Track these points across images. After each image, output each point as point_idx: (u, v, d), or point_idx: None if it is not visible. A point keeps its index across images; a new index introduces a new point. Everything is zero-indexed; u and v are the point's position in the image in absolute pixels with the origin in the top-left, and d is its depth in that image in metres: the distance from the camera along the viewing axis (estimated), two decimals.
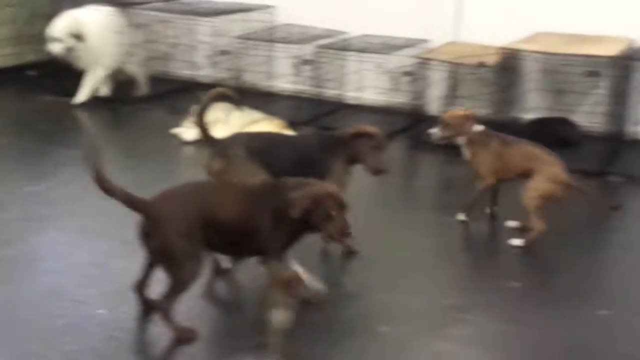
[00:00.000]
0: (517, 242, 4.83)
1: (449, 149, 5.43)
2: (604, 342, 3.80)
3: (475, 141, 5.01)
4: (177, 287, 3.63)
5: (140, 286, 3.82)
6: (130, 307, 3.89)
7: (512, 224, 5.07)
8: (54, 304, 3.95)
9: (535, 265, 4.76)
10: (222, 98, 4.67)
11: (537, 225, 4.79)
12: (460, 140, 5.06)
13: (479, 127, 5.06)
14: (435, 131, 5.13)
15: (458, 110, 5.28)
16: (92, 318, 3.84)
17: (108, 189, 3.60)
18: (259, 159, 4.38)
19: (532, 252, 4.81)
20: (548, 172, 4.80)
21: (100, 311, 3.90)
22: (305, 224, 3.74)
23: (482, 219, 5.23)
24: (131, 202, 3.64)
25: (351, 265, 4.58)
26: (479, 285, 4.44)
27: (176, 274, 3.62)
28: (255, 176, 4.32)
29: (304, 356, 3.57)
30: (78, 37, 7.40)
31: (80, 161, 6.35)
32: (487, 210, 5.27)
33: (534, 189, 4.80)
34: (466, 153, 5.09)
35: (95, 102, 7.64)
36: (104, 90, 7.87)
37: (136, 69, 7.91)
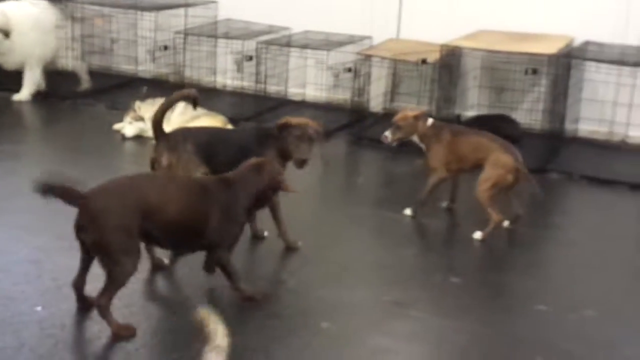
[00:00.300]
0: (477, 235, 4.88)
1: (394, 147, 5.45)
2: (544, 338, 3.84)
3: (427, 135, 5.09)
4: (114, 282, 3.58)
5: (78, 283, 3.76)
6: (67, 304, 3.82)
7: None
8: None
9: (476, 262, 4.81)
10: (186, 99, 4.69)
11: (494, 216, 4.85)
12: (414, 138, 5.14)
13: (429, 122, 5.13)
14: (388, 135, 5.15)
15: (408, 111, 5.28)
16: (28, 315, 3.76)
17: (42, 186, 3.52)
18: (204, 154, 4.46)
19: (473, 247, 4.86)
20: (496, 159, 4.85)
21: (37, 308, 3.82)
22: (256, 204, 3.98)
23: (431, 214, 5.26)
24: (68, 194, 3.56)
25: (292, 261, 4.57)
26: (421, 281, 4.46)
27: (113, 268, 3.57)
28: (198, 170, 4.40)
29: (245, 353, 3.54)
30: (4, 32, 7.19)
31: (15, 156, 6.36)
32: (444, 204, 5.33)
33: (485, 179, 4.86)
34: (422, 147, 5.17)
35: (34, 97, 7.50)
36: (41, 85, 7.71)
37: (75, 64, 7.77)
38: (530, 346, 3.77)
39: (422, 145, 5.16)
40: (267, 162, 4.06)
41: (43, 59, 7.53)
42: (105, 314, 3.59)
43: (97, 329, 3.65)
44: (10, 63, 7.44)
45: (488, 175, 4.85)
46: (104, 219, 3.53)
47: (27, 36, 7.31)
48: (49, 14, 7.53)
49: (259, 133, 4.70)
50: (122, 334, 3.59)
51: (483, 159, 4.90)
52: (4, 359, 3.39)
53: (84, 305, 3.79)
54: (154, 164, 4.45)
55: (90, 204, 3.55)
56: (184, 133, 4.64)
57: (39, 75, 7.56)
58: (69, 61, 7.67)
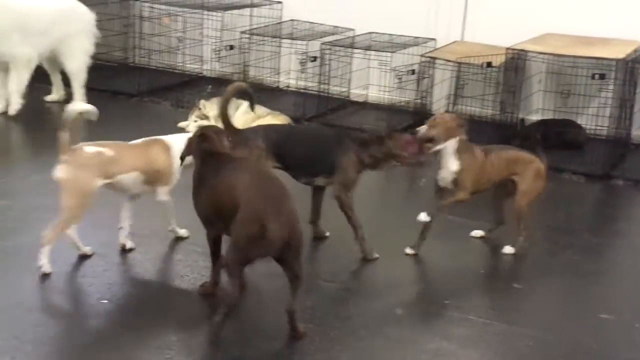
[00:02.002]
0: (508, 249, 4.78)
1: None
2: (606, 347, 3.80)
3: (461, 148, 4.57)
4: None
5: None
6: (132, 298, 3.92)
7: (477, 233, 4.99)
8: (57, 294, 3.96)
9: (539, 269, 4.76)
10: (241, 94, 4.74)
11: (527, 230, 4.75)
12: (448, 144, 4.56)
13: (464, 136, 4.63)
14: (423, 128, 4.62)
15: (450, 114, 5.16)
16: (95, 308, 3.85)
17: None
18: (276, 151, 4.49)
19: (534, 254, 4.81)
20: (537, 170, 4.70)
21: (104, 301, 3.91)
22: None
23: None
24: None
25: (355, 264, 4.57)
26: (483, 286, 4.46)
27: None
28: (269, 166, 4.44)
29: (309, 354, 3.58)
30: None
31: None
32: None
33: (527, 192, 4.71)
34: (450, 161, 4.57)
35: (100, 94, 7.60)
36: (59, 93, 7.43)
37: (76, 71, 7.28)
38: (592, 355, 3.74)
39: (453, 158, 4.56)
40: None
41: (33, 60, 6.99)
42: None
43: (164, 322, 3.73)
44: None
45: (530, 188, 4.69)
46: None
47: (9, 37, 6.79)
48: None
49: (340, 136, 4.74)
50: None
51: (518, 173, 4.70)
52: (73, 348, 3.48)
53: None
54: None
55: None
56: (256, 130, 4.72)
57: (24, 82, 6.97)
58: (71, 65, 7.21)
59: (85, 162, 4.10)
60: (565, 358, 3.72)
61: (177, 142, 4.35)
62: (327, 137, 4.78)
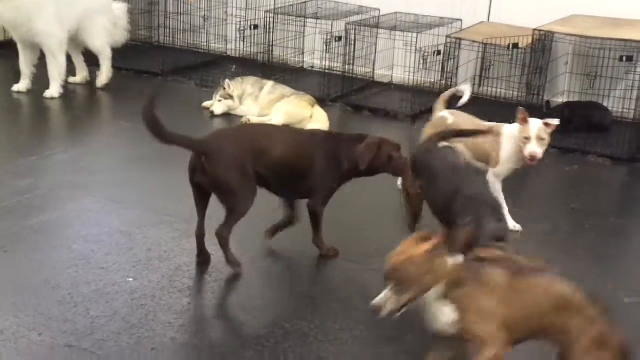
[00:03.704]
0: None
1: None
2: (629, 331, 3.77)
3: (454, 283, 2.82)
4: (234, 215, 3.94)
5: (199, 232, 4.08)
6: (157, 275, 3.96)
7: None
8: (83, 271, 4.00)
9: (562, 250, 4.69)
10: None
11: None
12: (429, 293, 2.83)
13: (450, 260, 2.84)
14: (383, 302, 2.80)
15: (411, 248, 2.82)
16: (120, 286, 3.89)
17: (166, 137, 3.88)
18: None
19: (558, 237, 4.79)
20: (601, 334, 2.83)
21: (129, 279, 3.95)
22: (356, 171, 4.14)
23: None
24: (189, 143, 3.95)
25: (375, 245, 4.58)
26: None
27: (232, 202, 3.93)
28: None
29: (329, 335, 3.60)
30: None
31: (108, 132, 6.54)
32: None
33: None
34: (439, 310, 2.86)
35: (125, 73, 7.64)
36: (82, 74, 7.50)
37: (102, 49, 7.35)
38: None
39: (443, 308, 2.85)
40: (384, 142, 4.17)
41: (64, 42, 7.03)
42: (225, 245, 3.98)
43: (186, 302, 3.77)
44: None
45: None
46: (222, 157, 3.90)
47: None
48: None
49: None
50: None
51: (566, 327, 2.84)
52: (98, 327, 3.51)
53: (204, 258, 4.13)
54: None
55: (209, 146, 3.94)
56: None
57: (64, 63, 7.04)
58: (95, 42, 7.29)
59: None
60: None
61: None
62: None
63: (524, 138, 4.58)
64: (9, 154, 5.70)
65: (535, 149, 4.57)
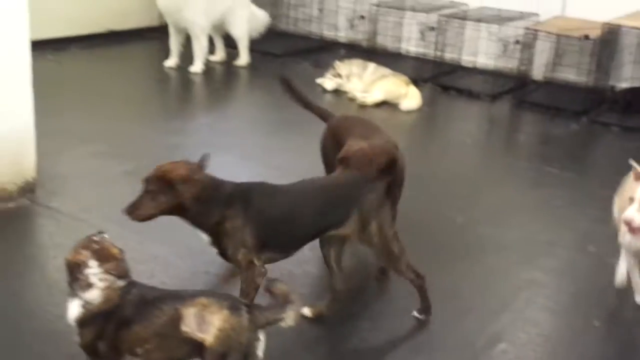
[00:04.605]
0: None
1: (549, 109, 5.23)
2: None
3: None
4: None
5: None
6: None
7: None
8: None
9: None
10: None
11: None
12: None
13: None
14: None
15: None
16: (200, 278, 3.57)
17: (307, 104, 3.79)
18: None
19: None
20: None
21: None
22: None
23: (582, 171, 5.07)
24: (324, 114, 3.80)
25: (460, 201, 4.56)
26: (569, 225, 4.35)
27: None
28: None
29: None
30: None
31: (240, 101, 6.67)
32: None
33: None
34: None
35: (255, 55, 7.69)
36: (221, 54, 7.54)
37: (240, 36, 7.38)
38: None
39: None
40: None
41: (206, 29, 7.09)
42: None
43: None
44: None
45: None
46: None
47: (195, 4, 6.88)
48: None
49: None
50: None
51: None
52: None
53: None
54: None
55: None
56: None
57: (205, 44, 7.10)
58: (236, 31, 7.33)
59: None
60: None
61: None
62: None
63: (629, 198, 3.18)
64: (162, 116, 5.90)
65: (634, 215, 3.11)
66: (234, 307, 2.37)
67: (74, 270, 2.43)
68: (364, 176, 3.11)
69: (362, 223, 2.99)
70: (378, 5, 7.61)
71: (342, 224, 2.99)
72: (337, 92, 6.70)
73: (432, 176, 4.87)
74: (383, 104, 6.40)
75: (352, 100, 6.46)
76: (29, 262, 3.57)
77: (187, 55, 7.11)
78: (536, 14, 7.10)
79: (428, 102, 6.54)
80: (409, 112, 6.33)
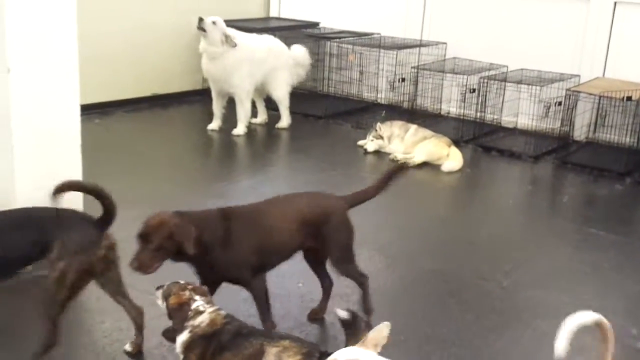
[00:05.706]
0: None
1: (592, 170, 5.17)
2: None
3: None
4: None
5: None
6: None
7: None
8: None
9: None
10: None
11: None
12: None
13: None
14: None
15: None
16: (292, 290, 3.96)
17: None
18: None
19: None
20: None
21: (299, 284, 4.01)
22: None
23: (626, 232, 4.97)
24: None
25: (505, 264, 4.48)
26: (619, 289, 4.23)
27: None
28: None
29: (464, 341, 3.53)
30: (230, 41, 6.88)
31: (282, 163, 6.71)
32: None
33: None
34: None
35: (297, 116, 7.76)
36: (262, 117, 7.61)
37: (281, 98, 7.44)
38: None
39: None
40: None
41: (250, 93, 7.20)
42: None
43: (346, 307, 3.77)
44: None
45: None
46: None
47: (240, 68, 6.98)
48: (270, 50, 7.23)
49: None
50: None
51: None
52: (276, 322, 3.59)
53: None
54: None
55: None
56: None
57: (249, 108, 7.20)
58: (277, 93, 7.40)
59: None
60: None
61: None
62: None
63: None
64: (205, 179, 5.95)
65: None
66: (308, 354, 2.51)
67: (184, 309, 2.71)
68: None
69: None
70: (419, 69, 7.67)
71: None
72: (379, 153, 6.71)
73: (475, 238, 4.82)
74: (425, 165, 6.38)
75: (394, 161, 6.45)
76: (74, 327, 3.58)
77: (229, 118, 7.22)
78: (577, 75, 7.08)
79: (470, 163, 6.51)
80: (451, 173, 6.30)
